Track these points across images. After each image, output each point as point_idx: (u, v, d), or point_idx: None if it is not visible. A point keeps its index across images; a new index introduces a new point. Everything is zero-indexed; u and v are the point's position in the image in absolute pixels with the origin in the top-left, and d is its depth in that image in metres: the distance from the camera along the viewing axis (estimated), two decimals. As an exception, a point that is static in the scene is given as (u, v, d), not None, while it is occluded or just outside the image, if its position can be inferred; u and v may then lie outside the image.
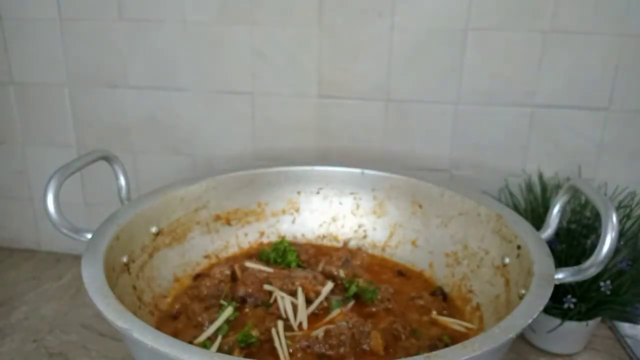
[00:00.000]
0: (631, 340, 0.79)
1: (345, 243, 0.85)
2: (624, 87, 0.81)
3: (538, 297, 0.53)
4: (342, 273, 0.75)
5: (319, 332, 0.62)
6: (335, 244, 0.85)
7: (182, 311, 0.69)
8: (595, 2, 0.78)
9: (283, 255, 0.78)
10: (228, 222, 0.82)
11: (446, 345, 0.61)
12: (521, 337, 0.80)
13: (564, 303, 0.71)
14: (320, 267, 0.77)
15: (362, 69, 0.86)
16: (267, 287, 0.71)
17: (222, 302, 0.69)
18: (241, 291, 0.71)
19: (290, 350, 0.61)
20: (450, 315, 0.70)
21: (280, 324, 0.64)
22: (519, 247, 0.64)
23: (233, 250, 0.82)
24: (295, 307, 0.67)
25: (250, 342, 0.62)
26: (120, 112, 0.93)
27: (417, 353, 0.60)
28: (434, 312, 0.69)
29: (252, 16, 0.85)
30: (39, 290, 0.93)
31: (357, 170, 0.83)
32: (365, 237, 0.84)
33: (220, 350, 0.61)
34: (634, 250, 0.76)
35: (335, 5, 0.83)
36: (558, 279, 0.57)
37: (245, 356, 0.60)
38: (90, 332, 0.82)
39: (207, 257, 0.80)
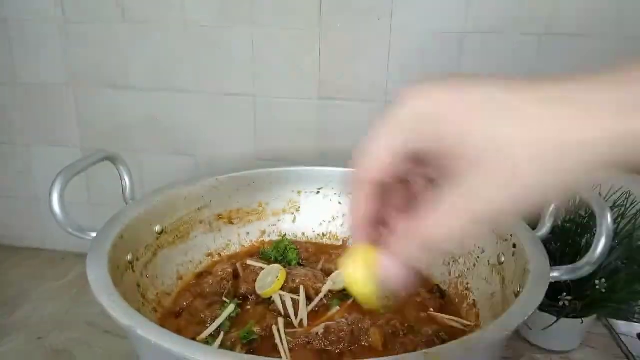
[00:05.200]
0: (626, 338, 0.80)
1: (345, 241, 0.86)
2: (619, 88, 0.82)
3: (533, 295, 0.54)
4: (341, 271, 0.76)
5: (319, 329, 0.63)
6: (334, 242, 0.86)
7: (185, 308, 0.70)
8: (593, 4, 0.78)
9: (284, 254, 0.79)
10: (230, 221, 0.83)
11: (443, 342, 0.62)
12: (517, 334, 0.81)
13: (559, 301, 0.72)
14: (320, 265, 0.78)
15: (362, 70, 0.86)
16: (268, 284, 0.72)
17: (224, 299, 0.70)
18: (243, 289, 0.72)
19: (291, 347, 0.62)
20: (447, 312, 0.71)
21: (280, 321, 0.65)
22: (514, 246, 0.65)
23: (235, 248, 0.83)
24: (296, 305, 0.68)
25: (252, 339, 0.63)
26: (122, 112, 0.94)
27: (415, 349, 0.61)
28: (432, 309, 0.70)
29: (253, 18, 0.86)
30: (44, 288, 0.94)
31: (357, 170, 0.84)
32: (364, 235, 0.85)
33: (222, 346, 0.62)
34: (628, 249, 0.77)
35: (335, 8, 0.84)
36: (553, 277, 0.57)
37: (247, 352, 0.61)
38: (94, 330, 0.82)
39: (209, 255, 0.81)
